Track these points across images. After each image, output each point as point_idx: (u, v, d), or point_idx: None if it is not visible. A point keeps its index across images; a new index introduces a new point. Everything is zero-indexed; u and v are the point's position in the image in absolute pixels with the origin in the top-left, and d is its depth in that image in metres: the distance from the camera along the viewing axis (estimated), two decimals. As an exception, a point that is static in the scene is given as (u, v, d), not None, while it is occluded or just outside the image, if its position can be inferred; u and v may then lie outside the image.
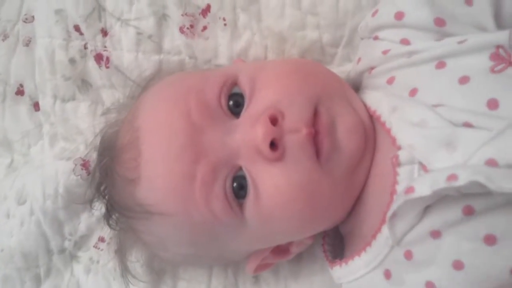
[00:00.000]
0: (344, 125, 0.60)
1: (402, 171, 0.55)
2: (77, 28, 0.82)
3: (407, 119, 0.57)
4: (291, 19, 0.76)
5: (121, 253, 0.76)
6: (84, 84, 0.85)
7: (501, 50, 0.54)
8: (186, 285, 0.82)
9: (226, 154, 0.59)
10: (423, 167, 0.54)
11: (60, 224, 0.84)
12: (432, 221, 0.53)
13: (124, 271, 0.76)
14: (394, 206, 0.53)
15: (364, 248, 0.61)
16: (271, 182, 0.58)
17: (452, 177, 0.48)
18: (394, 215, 0.54)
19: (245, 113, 0.61)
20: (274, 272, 0.79)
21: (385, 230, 0.57)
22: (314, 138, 0.58)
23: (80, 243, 0.85)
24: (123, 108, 0.76)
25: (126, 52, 0.81)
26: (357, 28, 0.72)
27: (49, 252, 0.85)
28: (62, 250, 0.85)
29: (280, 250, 0.71)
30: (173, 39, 0.80)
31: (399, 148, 0.57)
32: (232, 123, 0.61)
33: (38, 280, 0.86)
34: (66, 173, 0.82)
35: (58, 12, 0.82)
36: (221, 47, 0.79)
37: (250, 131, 0.59)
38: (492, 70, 0.54)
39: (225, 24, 0.78)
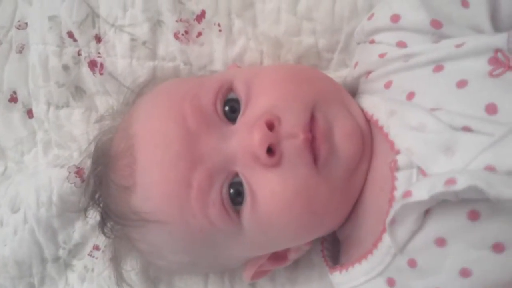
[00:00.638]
0: (341, 130, 0.59)
1: (401, 176, 0.55)
2: (70, 35, 0.82)
3: (405, 123, 0.56)
4: (286, 24, 0.75)
5: (116, 262, 0.76)
6: (78, 90, 0.84)
7: (499, 54, 0.54)
8: (182, 293, 0.82)
9: (222, 160, 0.59)
10: (421, 172, 0.53)
11: (54, 232, 0.83)
12: (436, 227, 0.53)
13: (119, 279, 0.76)
14: (392, 212, 0.53)
15: (365, 255, 0.60)
16: (268, 188, 0.58)
17: (451, 181, 0.48)
18: (393, 221, 0.54)
19: (241, 119, 0.61)
20: (270, 279, 0.78)
21: (386, 238, 0.56)
22: (311, 143, 0.57)
23: (75, 251, 0.85)
24: (117, 115, 0.76)
25: (120, 58, 0.80)
26: (353, 34, 0.72)
27: (43, 260, 0.84)
28: (56, 259, 0.85)
29: (278, 257, 0.70)
30: (168, 45, 0.79)
31: (397, 152, 0.56)
32: (228, 129, 0.60)
33: (32, 289, 0.85)
34: (60, 181, 0.81)
35: (52, 18, 0.82)
36: (216, 53, 0.79)
37: (246, 136, 0.58)
38: (491, 74, 0.54)
39: (220, 30, 0.78)
